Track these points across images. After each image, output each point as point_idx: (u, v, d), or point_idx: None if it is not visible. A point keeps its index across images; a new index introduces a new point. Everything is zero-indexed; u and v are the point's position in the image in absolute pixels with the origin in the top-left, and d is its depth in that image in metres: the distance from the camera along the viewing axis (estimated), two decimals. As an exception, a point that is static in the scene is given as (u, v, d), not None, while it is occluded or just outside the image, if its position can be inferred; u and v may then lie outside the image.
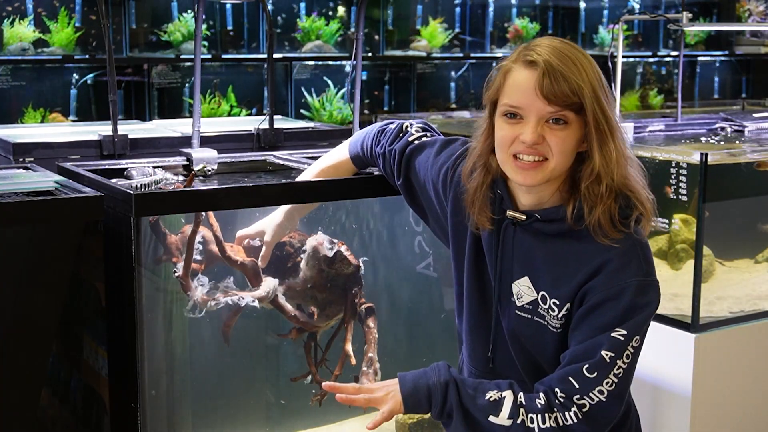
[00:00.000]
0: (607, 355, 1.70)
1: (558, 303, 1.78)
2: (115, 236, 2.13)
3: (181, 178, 2.45)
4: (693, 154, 3.24)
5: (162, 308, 2.34)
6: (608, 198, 1.74)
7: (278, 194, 2.27)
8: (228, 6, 5.61)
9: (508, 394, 1.73)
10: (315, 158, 2.51)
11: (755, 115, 4.57)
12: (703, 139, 3.92)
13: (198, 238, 2.26)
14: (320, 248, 2.44)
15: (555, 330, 1.80)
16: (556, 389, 1.72)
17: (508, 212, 1.84)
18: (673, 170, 3.28)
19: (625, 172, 1.76)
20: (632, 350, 1.72)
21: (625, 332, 1.70)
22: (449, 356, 2.90)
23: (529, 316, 1.83)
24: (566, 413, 1.70)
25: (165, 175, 2.46)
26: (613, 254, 1.74)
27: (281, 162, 2.76)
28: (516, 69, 1.77)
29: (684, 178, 3.27)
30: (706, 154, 3.20)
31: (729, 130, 4.16)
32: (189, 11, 5.46)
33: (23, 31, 5.05)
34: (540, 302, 1.81)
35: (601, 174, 1.74)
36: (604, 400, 1.69)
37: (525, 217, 1.82)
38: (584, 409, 1.70)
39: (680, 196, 3.29)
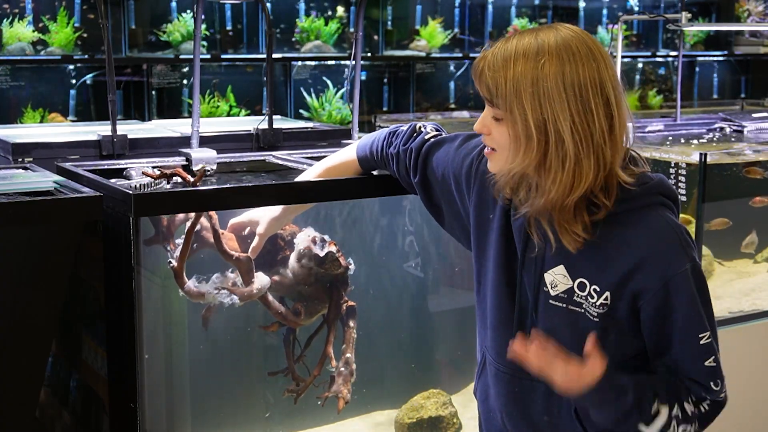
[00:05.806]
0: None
1: (598, 290, 1.75)
2: (114, 236, 2.12)
3: (189, 177, 2.44)
4: (692, 154, 3.24)
5: (161, 308, 2.34)
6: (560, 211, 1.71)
7: (278, 194, 2.26)
8: (227, 6, 5.61)
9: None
10: (314, 158, 2.51)
11: (754, 115, 4.57)
12: (703, 138, 3.92)
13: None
14: (312, 246, 2.43)
15: (592, 318, 1.76)
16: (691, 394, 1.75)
17: None
18: (672, 170, 3.29)
19: (557, 197, 1.69)
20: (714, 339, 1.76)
21: (708, 332, 1.73)
22: (442, 355, 2.91)
23: (564, 305, 1.79)
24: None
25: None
26: (652, 242, 1.72)
27: (280, 162, 2.76)
28: None
29: (683, 178, 3.27)
30: (706, 154, 3.20)
31: (728, 130, 4.16)
32: (188, 11, 5.46)
33: (22, 31, 5.05)
34: (576, 290, 1.77)
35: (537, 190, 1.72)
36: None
37: None
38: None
39: (679, 196, 3.29)
